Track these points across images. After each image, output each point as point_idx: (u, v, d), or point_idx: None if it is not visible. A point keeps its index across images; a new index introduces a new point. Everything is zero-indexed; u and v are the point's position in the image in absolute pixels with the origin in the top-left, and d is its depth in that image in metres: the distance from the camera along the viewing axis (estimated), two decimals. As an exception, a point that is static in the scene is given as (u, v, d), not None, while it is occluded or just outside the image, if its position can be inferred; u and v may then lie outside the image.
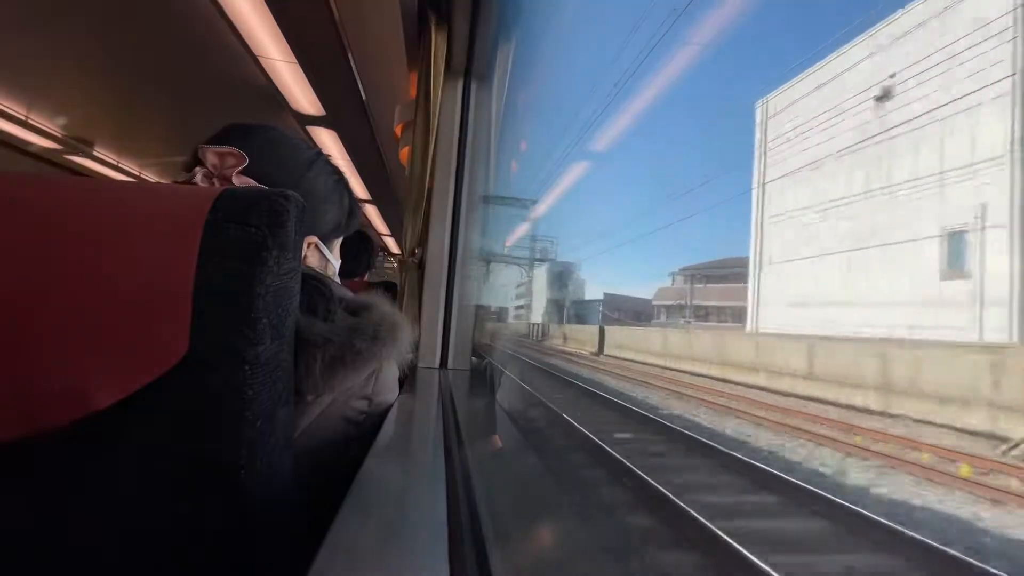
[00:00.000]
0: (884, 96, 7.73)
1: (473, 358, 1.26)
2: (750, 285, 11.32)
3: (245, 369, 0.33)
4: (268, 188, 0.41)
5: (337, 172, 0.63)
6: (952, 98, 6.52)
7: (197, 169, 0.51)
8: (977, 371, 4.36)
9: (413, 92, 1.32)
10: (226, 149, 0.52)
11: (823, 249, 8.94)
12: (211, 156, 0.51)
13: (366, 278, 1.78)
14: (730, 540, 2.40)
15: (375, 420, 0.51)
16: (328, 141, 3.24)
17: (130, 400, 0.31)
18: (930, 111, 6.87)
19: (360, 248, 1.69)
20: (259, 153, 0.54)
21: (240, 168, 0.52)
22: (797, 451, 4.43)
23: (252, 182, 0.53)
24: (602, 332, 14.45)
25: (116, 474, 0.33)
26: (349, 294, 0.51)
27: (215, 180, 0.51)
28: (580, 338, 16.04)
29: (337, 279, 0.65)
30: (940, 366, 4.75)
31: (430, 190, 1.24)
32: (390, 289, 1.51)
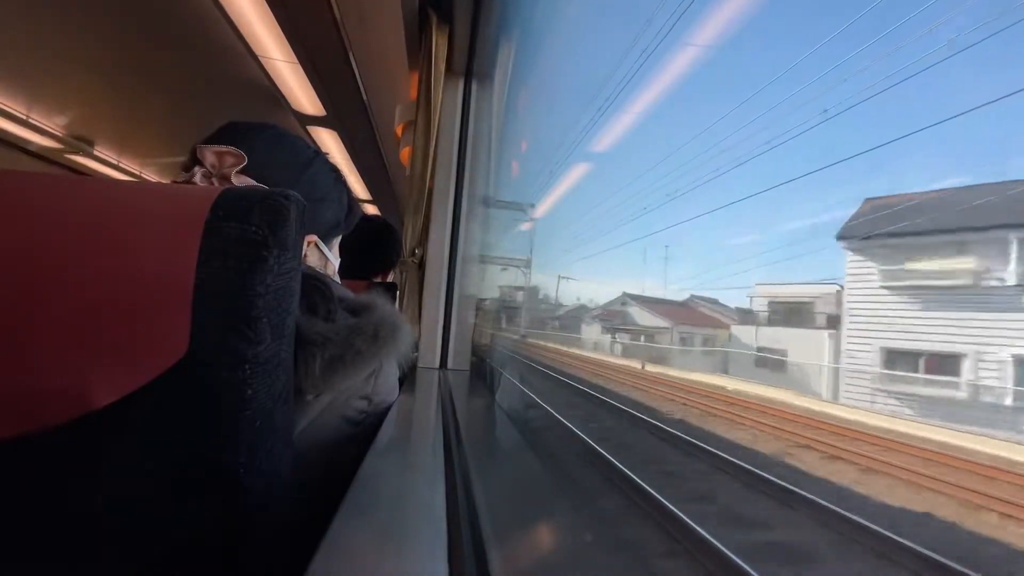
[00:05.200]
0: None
1: (473, 358, 1.26)
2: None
3: (245, 368, 0.33)
4: (268, 187, 0.40)
5: (335, 170, 0.63)
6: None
7: (196, 169, 0.51)
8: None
9: (414, 92, 1.32)
10: (225, 148, 0.51)
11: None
12: (210, 155, 0.51)
13: (390, 276, 1.47)
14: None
15: (375, 420, 0.51)
16: (329, 141, 3.24)
17: (130, 399, 0.31)
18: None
19: (383, 239, 1.40)
20: (258, 152, 0.53)
21: (239, 167, 0.52)
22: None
23: (251, 181, 0.53)
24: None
25: (116, 473, 0.33)
26: (349, 294, 0.51)
27: (214, 180, 0.51)
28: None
29: (337, 278, 0.65)
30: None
31: (431, 190, 1.24)
32: (390, 289, 1.50)
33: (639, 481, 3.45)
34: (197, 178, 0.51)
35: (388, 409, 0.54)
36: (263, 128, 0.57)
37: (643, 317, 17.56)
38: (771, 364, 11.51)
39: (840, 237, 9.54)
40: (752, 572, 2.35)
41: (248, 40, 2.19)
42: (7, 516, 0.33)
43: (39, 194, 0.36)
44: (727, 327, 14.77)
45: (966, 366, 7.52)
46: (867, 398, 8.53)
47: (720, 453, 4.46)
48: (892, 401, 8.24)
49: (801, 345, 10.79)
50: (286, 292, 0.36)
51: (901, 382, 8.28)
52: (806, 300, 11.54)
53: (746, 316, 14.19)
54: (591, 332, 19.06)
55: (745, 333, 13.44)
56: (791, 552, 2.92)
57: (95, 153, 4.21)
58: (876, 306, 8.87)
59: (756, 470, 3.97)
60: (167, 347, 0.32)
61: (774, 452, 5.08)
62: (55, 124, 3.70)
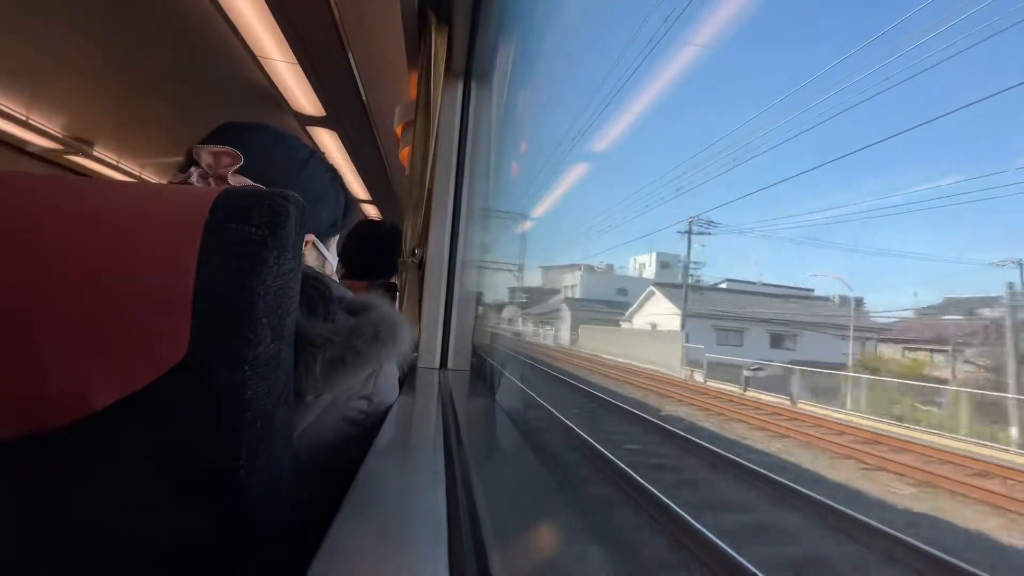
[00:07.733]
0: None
1: (473, 358, 1.26)
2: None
3: (245, 369, 0.33)
4: (267, 188, 0.40)
5: (332, 169, 0.63)
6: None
7: (192, 169, 0.51)
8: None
9: (413, 93, 1.32)
10: (221, 149, 0.51)
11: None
12: (206, 156, 0.51)
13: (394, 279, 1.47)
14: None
15: (375, 420, 0.51)
16: (328, 142, 3.24)
17: (130, 400, 0.31)
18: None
19: (391, 242, 1.39)
20: (254, 152, 0.53)
21: (236, 167, 0.51)
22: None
23: (248, 181, 0.53)
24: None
25: (116, 474, 0.33)
26: (349, 294, 0.51)
27: (211, 180, 0.51)
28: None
29: (335, 277, 0.65)
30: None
31: (430, 190, 1.24)
32: (390, 289, 1.50)
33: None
34: (193, 178, 0.51)
35: (388, 409, 0.54)
36: (259, 128, 0.57)
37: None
38: None
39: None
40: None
41: (247, 41, 2.19)
42: (8, 517, 0.33)
43: (39, 195, 0.36)
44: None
45: None
46: None
47: None
48: None
49: None
50: (286, 293, 0.36)
51: None
52: None
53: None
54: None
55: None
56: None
57: (95, 154, 4.21)
58: None
59: None
60: (167, 348, 0.32)
61: None
62: (55, 125, 3.70)
